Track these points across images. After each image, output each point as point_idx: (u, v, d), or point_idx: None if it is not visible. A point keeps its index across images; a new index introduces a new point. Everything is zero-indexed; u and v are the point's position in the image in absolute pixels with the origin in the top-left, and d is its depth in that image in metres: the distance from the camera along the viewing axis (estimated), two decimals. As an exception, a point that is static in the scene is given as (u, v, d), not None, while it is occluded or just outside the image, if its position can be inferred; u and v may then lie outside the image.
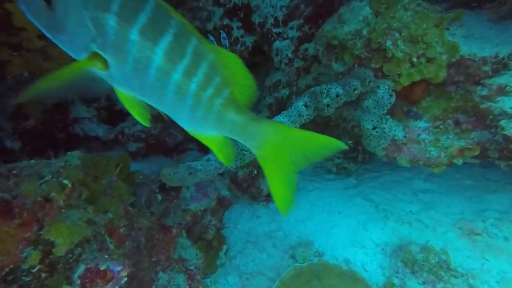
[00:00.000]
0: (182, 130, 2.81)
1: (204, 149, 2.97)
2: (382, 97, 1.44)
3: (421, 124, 1.70)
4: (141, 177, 1.46)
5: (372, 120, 1.47)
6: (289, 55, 2.26)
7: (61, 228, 0.99)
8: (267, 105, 2.61)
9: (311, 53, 2.14)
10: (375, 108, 1.45)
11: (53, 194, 1.03)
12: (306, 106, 1.42)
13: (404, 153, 1.73)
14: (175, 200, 1.56)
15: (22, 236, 0.94)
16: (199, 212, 1.75)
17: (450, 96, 1.64)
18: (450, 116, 1.65)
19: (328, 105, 1.42)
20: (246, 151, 1.38)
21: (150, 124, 0.85)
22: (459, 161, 1.63)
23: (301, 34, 2.17)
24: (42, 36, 1.53)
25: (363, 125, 1.50)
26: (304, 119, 1.43)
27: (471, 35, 1.56)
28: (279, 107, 2.57)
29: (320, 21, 2.06)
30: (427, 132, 1.69)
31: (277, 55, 2.33)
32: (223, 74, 0.76)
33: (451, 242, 1.81)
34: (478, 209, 1.99)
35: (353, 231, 2.13)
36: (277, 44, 2.29)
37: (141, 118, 0.82)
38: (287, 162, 0.80)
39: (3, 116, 1.92)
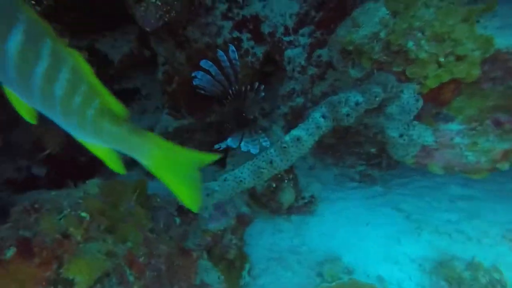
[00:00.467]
0: (198, 145, 2.77)
1: (219, 162, 2.94)
2: (408, 102, 1.32)
3: (454, 126, 1.55)
4: (158, 200, 1.43)
5: (398, 128, 1.36)
6: (302, 62, 2.19)
7: (80, 265, 0.97)
8: (282, 114, 2.54)
9: (325, 59, 2.06)
10: (400, 114, 1.33)
11: (71, 229, 1.01)
12: (324, 117, 1.34)
13: (436, 159, 1.59)
14: (193, 222, 1.51)
15: (42, 276, 0.93)
16: (219, 232, 1.69)
17: (486, 94, 1.48)
18: (488, 116, 1.49)
19: (348, 115, 1.33)
20: (263, 169, 1.31)
21: (36, 122, 0.77)
22: (504, 166, 1.46)
23: (313, 40, 2.09)
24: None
25: (388, 134, 1.39)
26: (323, 131, 1.35)
27: (507, 25, 1.41)
28: (295, 116, 2.49)
29: (332, 26, 1.98)
30: (461, 135, 1.54)
31: (289, 63, 2.27)
32: (88, 82, 0.71)
33: (502, 256, 1.61)
34: (529, 217, 1.78)
35: (384, 245, 1.98)
36: (288, 52, 2.23)
37: (28, 117, 0.75)
38: (177, 168, 0.81)
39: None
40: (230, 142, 2.02)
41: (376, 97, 1.29)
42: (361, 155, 2.50)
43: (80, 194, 1.17)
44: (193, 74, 2.05)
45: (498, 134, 1.48)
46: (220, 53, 1.96)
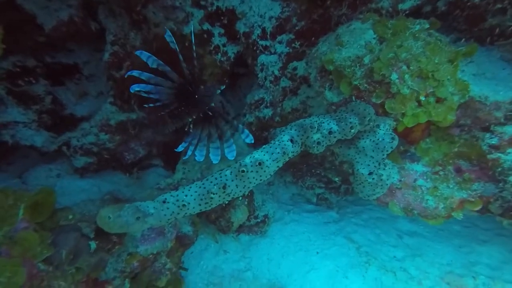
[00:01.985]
0: (146, 144, 2.39)
1: (170, 166, 2.61)
2: (383, 139, 1.20)
3: (419, 167, 1.49)
4: (70, 216, 1.10)
5: (369, 165, 1.23)
6: (276, 72, 2.00)
7: None
8: (247, 123, 2.33)
9: (301, 74, 1.90)
10: (373, 151, 1.21)
11: None
12: (292, 141, 1.15)
13: (397, 199, 1.51)
14: (116, 247, 1.21)
15: None
16: (150, 256, 1.41)
17: (453, 140, 1.44)
18: (451, 161, 1.46)
19: (318, 143, 1.16)
20: (214, 194, 1.08)
21: None
22: (458, 215, 1.43)
23: (290, 50, 1.92)
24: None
25: (357, 169, 1.26)
26: (288, 157, 1.16)
27: (482, 74, 1.38)
28: (261, 127, 2.30)
29: (313, 39, 1.83)
30: (424, 177, 1.48)
31: (262, 70, 2.07)
32: None
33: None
34: (468, 262, 1.82)
35: (331, 278, 1.88)
36: (262, 58, 2.03)
37: None
38: None
39: None
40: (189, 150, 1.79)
41: (351, 128, 1.15)
42: (321, 177, 2.40)
43: None
44: (127, 74, 1.69)
45: (458, 181, 1.45)
46: (169, 33, 1.64)
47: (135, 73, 1.69)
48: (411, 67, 1.17)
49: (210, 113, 1.86)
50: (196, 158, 1.86)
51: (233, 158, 1.81)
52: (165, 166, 2.54)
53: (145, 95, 1.74)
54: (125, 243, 1.31)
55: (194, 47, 1.73)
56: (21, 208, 0.88)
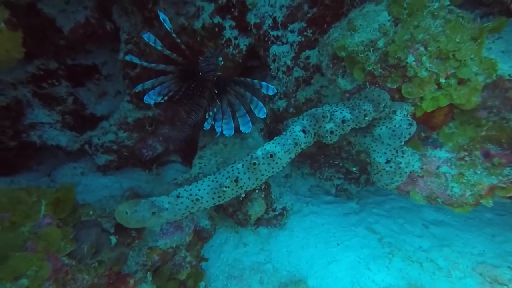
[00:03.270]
0: (163, 140, 2.45)
1: (188, 161, 2.67)
2: (400, 125, 1.15)
3: (442, 154, 1.41)
4: (91, 212, 1.16)
5: (386, 153, 1.18)
6: (288, 62, 1.96)
7: None
8: (261, 116, 2.31)
9: (314, 62, 1.85)
10: (389, 138, 1.16)
11: None
12: (304, 131, 1.13)
13: (419, 187, 1.44)
14: (136, 242, 1.26)
15: None
16: (170, 250, 1.46)
17: (480, 123, 1.35)
18: (478, 146, 1.36)
19: (331, 132, 1.13)
20: (226, 187, 1.09)
21: None
22: (488, 202, 1.34)
23: (303, 39, 1.87)
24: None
25: (374, 158, 1.21)
26: (301, 148, 1.14)
27: (511, 51, 1.27)
28: (275, 119, 2.28)
29: (325, 26, 1.76)
30: (449, 164, 1.40)
31: (274, 61, 2.04)
32: None
33: (470, 290, 1.51)
34: (503, 252, 1.71)
35: (353, 270, 1.85)
36: (274, 49, 1.99)
37: None
38: None
39: None
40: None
41: (365, 116, 1.10)
42: (340, 168, 2.35)
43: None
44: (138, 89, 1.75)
45: (486, 167, 1.36)
46: (162, 15, 1.63)
47: (139, 87, 1.76)
48: (429, 48, 1.10)
49: (220, 83, 1.87)
50: (225, 133, 1.87)
51: (249, 131, 1.83)
52: (182, 161, 2.60)
53: (160, 97, 1.78)
54: (144, 237, 1.37)
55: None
56: (43, 205, 0.94)
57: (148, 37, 1.66)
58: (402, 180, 1.27)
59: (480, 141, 1.37)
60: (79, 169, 2.16)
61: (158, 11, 1.65)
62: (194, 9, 1.89)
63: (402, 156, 1.22)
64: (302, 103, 2.01)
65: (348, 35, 1.28)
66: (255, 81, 1.83)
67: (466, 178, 1.37)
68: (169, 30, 1.63)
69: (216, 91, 1.88)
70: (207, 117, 1.90)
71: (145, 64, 1.71)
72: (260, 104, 1.83)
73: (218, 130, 1.87)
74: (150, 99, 1.78)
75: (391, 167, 1.20)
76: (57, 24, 1.79)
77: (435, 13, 1.12)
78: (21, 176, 2.04)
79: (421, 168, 1.41)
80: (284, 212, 2.25)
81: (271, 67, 2.07)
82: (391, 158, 1.19)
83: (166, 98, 1.81)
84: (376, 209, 2.33)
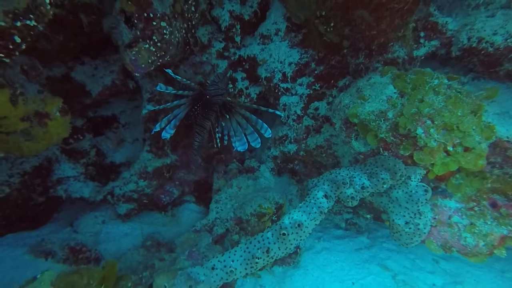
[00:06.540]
0: (179, 184, 2.51)
1: (202, 201, 2.75)
2: (416, 192, 1.26)
3: (452, 204, 1.52)
4: (130, 284, 1.23)
5: (404, 216, 1.29)
6: (298, 112, 2.10)
7: None
8: (272, 156, 2.43)
9: (323, 113, 1.98)
10: (407, 202, 1.26)
11: None
12: (326, 197, 1.23)
13: (434, 236, 1.54)
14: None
15: None
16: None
17: (485, 176, 1.46)
18: (485, 196, 1.48)
19: (352, 198, 1.23)
20: (259, 258, 1.17)
21: None
22: (502, 253, 1.44)
23: (311, 92, 2.01)
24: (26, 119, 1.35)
25: (393, 219, 1.31)
26: (324, 214, 1.24)
27: (505, 113, 1.41)
28: (285, 159, 2.39)
29: (332, 81, 1.91)
30: (459, 214, 1.50)
31: (284, 110, 2.17)
32: None
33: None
34: (512, 290, 1.80)
35: (370, 311, 1.91)
36: (284, 99, 2.13)
37: None
38: None
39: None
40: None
41: (384, 183, 1.21)
42: (349, 204, 2.45)
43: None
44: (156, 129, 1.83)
45: (495, 217, 1.46)
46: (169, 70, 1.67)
47: (157, 127, 1.83)
48: (435, 122, 1.23)
49: (227, 106, 1.94)
50: (238, 149, 1.94)
51: (259, 146, 1.93)
52: (196, 201, 2.68)
53: (174, 130, 1.85)
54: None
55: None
56: (94, 286, 1.02)
57: (160, 87, 1.73)
58: (421, 240, 1.36)
59: (486, 192, 1.48)
60: (100, 218, 2.23)
61: (165, 69, 1.71)
62: (210, 67, 2.04)
63: (420, 218, 1.32)
64: (313, 148, 2.13)
65: (359, 104, 1.41)
66: (260, 120, 1.92)
67: (478, 228, 1.47)
68: (178, 78, 1.70)
69: (227, 115, 1.96)
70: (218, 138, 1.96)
71: (161, 107, 1.81)
72: (265, 125, 1.91)
73: (235, 145, 1.93)
74: (167, 134, 1.84)
75: (410, 228, 1.30)
76: (86, 89, 1.92)
77: (436, 89, 1.26)
78: (45, 228, 2.10)
79: (434, 218, 1.51)
80: (298, 250, 2.31)
81: (282, 114, 2.19)
82: (410, 220, 1.30)
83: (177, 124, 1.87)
84: (386, 243, 2.41)
